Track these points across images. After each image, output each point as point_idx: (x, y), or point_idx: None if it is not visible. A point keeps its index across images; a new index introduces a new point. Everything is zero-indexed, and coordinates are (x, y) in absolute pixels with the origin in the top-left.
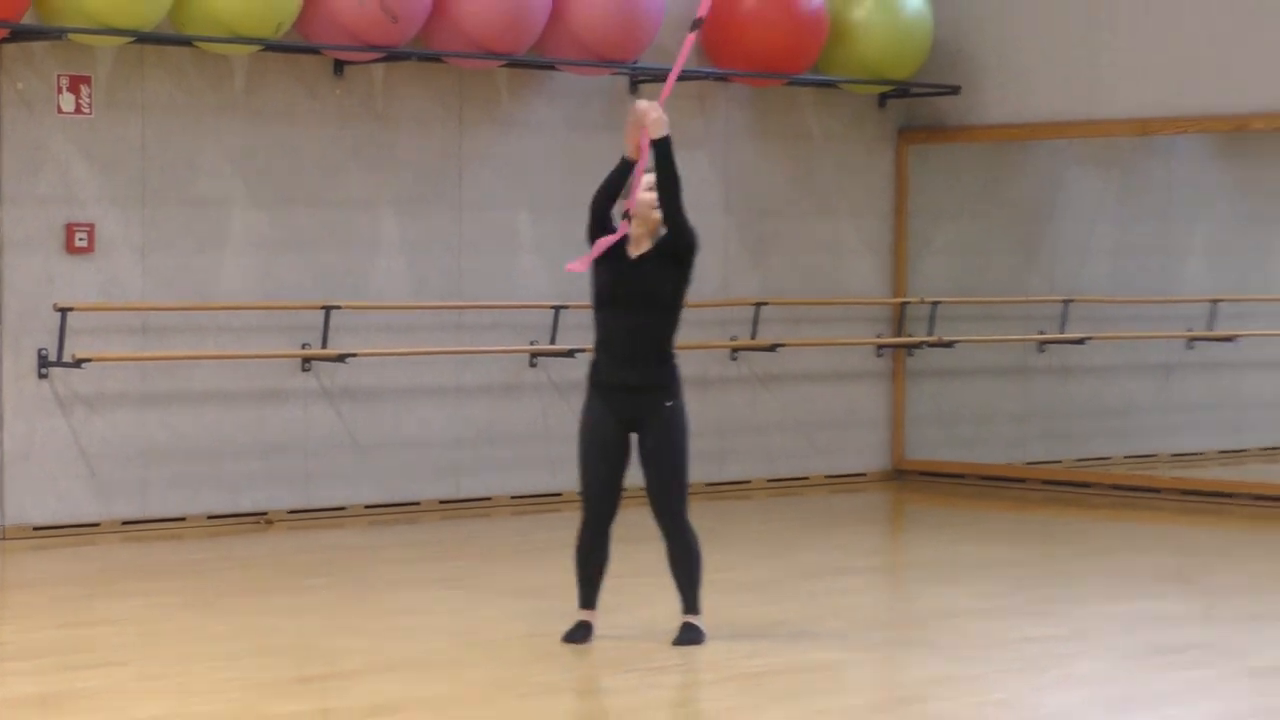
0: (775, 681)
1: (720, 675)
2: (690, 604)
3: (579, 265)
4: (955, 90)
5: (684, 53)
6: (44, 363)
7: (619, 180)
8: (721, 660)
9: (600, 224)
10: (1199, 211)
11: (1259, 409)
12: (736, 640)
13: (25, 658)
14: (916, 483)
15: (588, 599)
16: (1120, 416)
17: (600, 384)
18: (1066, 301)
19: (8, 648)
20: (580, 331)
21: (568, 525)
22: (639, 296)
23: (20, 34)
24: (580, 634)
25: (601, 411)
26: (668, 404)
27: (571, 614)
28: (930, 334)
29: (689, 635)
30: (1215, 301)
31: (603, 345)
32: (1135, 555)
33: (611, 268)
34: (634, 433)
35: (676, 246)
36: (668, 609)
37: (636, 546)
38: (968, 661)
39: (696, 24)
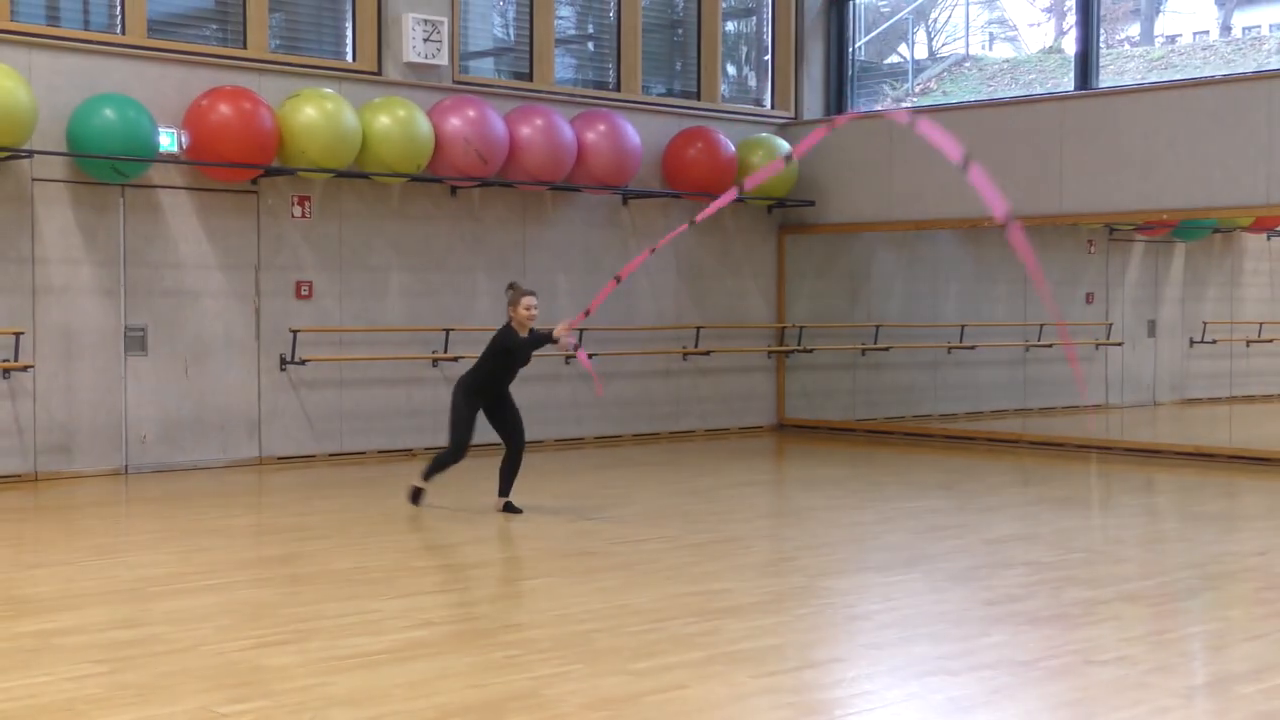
0: (709, 548)
1: (677, 544)
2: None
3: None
4: (811, 203)
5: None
6: (283, 362)
7: (537, 345)
8: (678, 535)
9: (520, 359)
10: (952, 273)
11: (988, 387)
12: (686, 524)
13: (272, 533)
14: (792, 433)
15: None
16: (907, 392)
17: (483, 395)
18: (877, 326)
19: (262, 526)
20: (596, 343)
21: (587, 457)
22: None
23: (270, 171)
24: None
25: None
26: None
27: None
28: (798, 344)
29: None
30: (963, 326)
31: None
32: (919, 474)
33: (507, 344)
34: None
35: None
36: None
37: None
38: (823, 536)
39: (618, 278)
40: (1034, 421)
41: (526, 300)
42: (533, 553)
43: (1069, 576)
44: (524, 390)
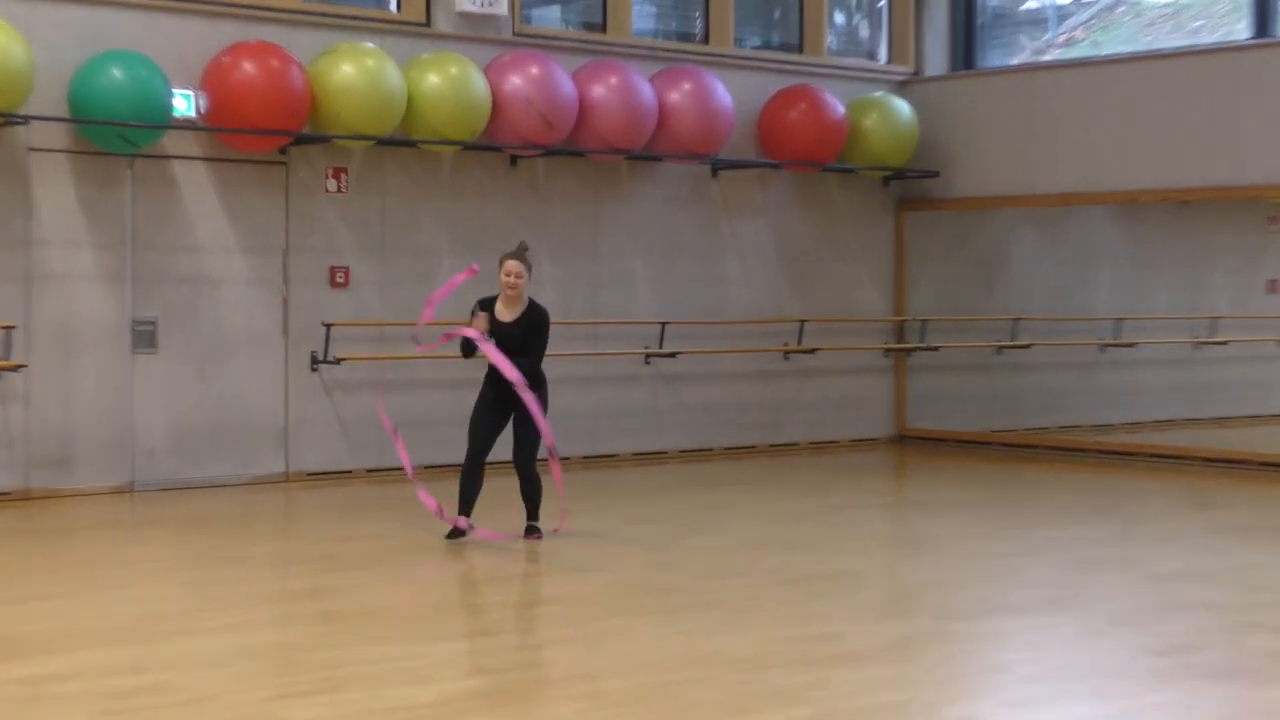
0: (817, 583)
1: (779, 579)
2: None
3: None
4: (935, 174)
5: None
6: (315, 361)
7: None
8: (779, 568)
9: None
10: (1103, 258)
11: (1151, 392)
12: (789, 554)
13: (301, 562)
14: (914, 445)
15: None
16: (1055, 398)
17: (490, 381)
18: (1015, 319)
19: (289, 555)
20: (679, 339)
21: (669, 474)
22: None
23: (301, 139)
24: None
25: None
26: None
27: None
28: (921, 341)
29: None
30: (1119, 320)
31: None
32: (1068, 495)
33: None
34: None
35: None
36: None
37: None
38: (952, 570)
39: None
40: (1207, 433)
41: (506, 266)
42: (605, 588)
43: (1253, 622)
44: (589, 394)
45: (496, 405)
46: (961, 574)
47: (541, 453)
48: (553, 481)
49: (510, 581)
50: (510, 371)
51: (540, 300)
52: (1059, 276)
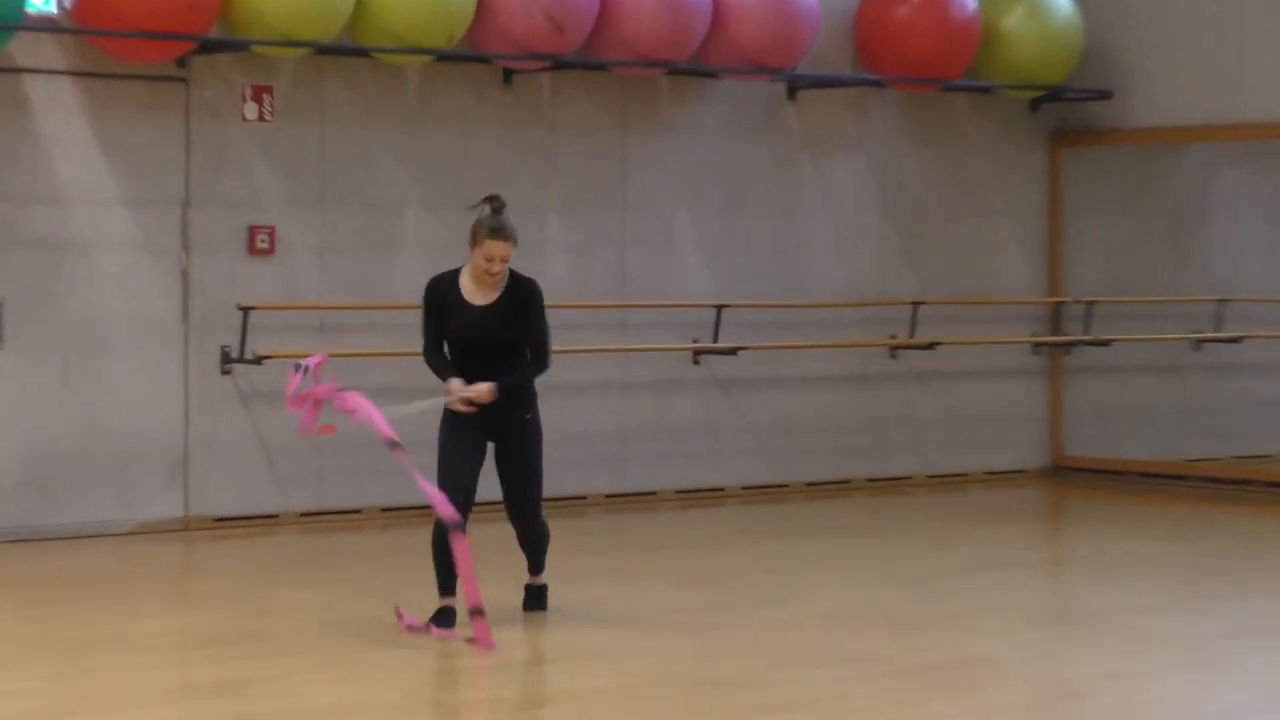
0: (937, 676)
1: (883, 670)
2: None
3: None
4: (1107, 95)
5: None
6: (227, 360)
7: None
8: (884, 654)
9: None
10: None
11: None
12: (898, 634)
13: (206, 645)
14: (1075, 479)
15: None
16: (1276, 413)
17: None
18: (1221, 301)
19: (190, 634)
20: (740, 329)
21: (730, 518)
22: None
23: (207, 46)
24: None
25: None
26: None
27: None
28: (1086, 333)
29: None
30: None
31: (467, 377)
32: None
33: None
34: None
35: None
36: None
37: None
38: (1130, 658)
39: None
40: None
41: (490, 248)
42: (637, 680)
43: None
44: (615, 406)
45: (472, 431)
46: (1143, 666)
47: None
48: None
49: (502, 671)
50: (383, 428)
51: (551, 272)
52: None
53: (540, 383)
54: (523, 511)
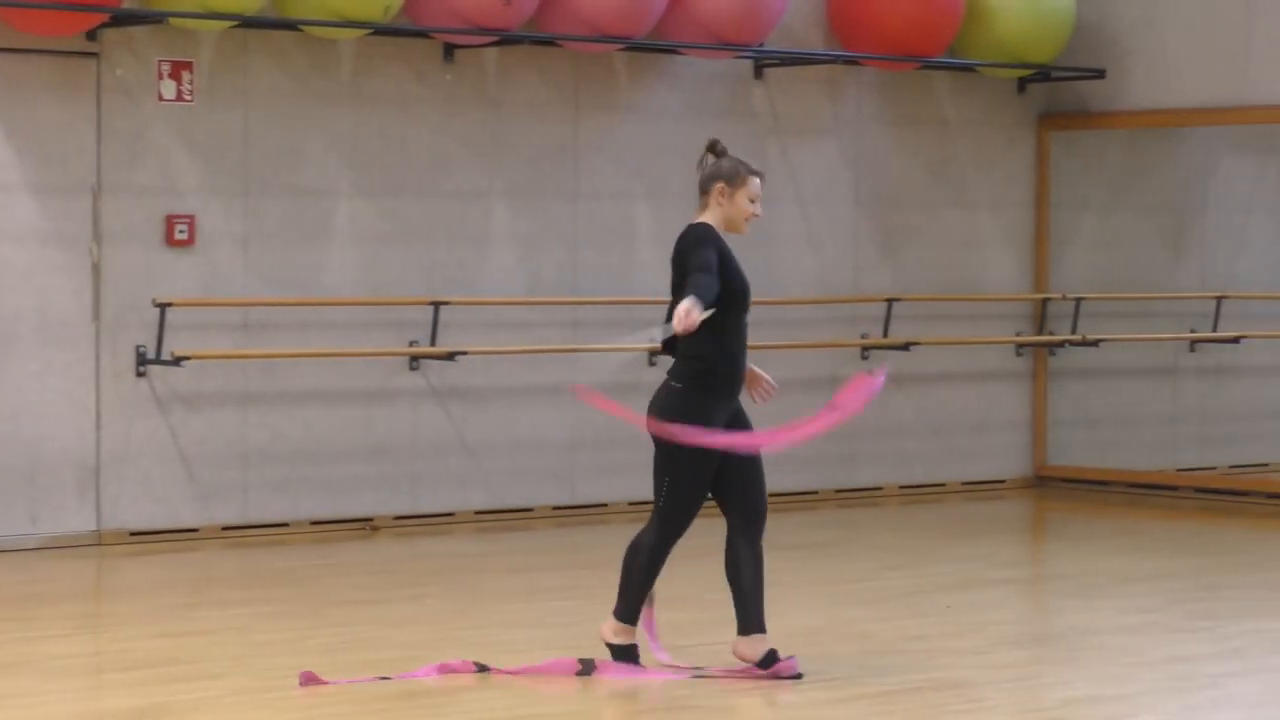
0: (907, 701)
1: (849, 694)
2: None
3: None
4: (1100, 74)
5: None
6: (142, 360)
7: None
8: (851, 677)
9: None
10: None
11: None
12: (867, 656)
13: (121, 669)
14: (1059, 490)
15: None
16: (1278, 420)
17: (723, 394)
18: (1219, 298)
19: (104, 658)
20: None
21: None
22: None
23: (120, 18)
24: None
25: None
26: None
27: (692, 626)
28: (1074, 332)
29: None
30: None
31: (731, 351)
32: None
33: (735, 264)
34: None
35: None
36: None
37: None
38: (1113, 681)
39: None
40: None
41: (754, 186)
42: (596, 705)
43: None
44: (567, 414)
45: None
46: (1127, 690)
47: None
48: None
49: (449, 694)
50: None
51: (493, 266)
52: None
53: (485, 385)
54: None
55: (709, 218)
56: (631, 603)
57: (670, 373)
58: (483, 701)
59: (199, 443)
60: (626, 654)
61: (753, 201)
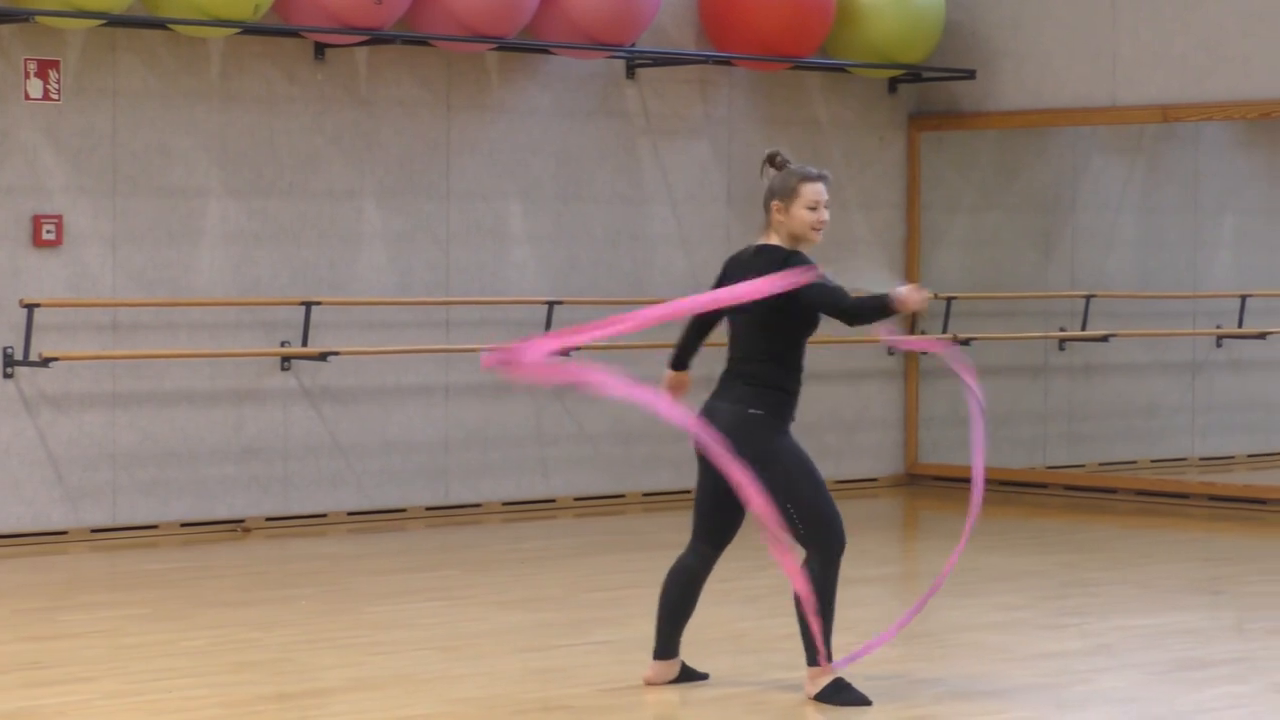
0: (781, 698)
1: (722, 692)
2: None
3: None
4: (970, 74)
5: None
6: (9, 362)
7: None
8: (727, 676)
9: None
10: (1227, 202)
11: None
12: (739, 654)
13: None
14: (930, 488)
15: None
16: (1146, 418)
17: (791, 419)
18: (1088, 297)
19: None
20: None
21: (561, 533)
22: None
23: None
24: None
25: None
26: None
27: (567, 627)
28: (945, 331)
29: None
30: (1245, 297)
31: (798, 377)
32: (1162, 565)
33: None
34: None
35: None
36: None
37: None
38: (984, 678)
39: None
40: None
41: (812, 191)
42: (466, 708)
43: None
44: (437, 414)
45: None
46: (1003, 686)
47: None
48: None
49: (316, 697)
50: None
51: (364, 267)
52: (1155, 233)
53: (357, 385)
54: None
55: (774, 238)
56: (820, 640)
57: (741, 399)
58: (353, 704)
59: (67, 444)
60: (839, 690)
61: (813, 209)
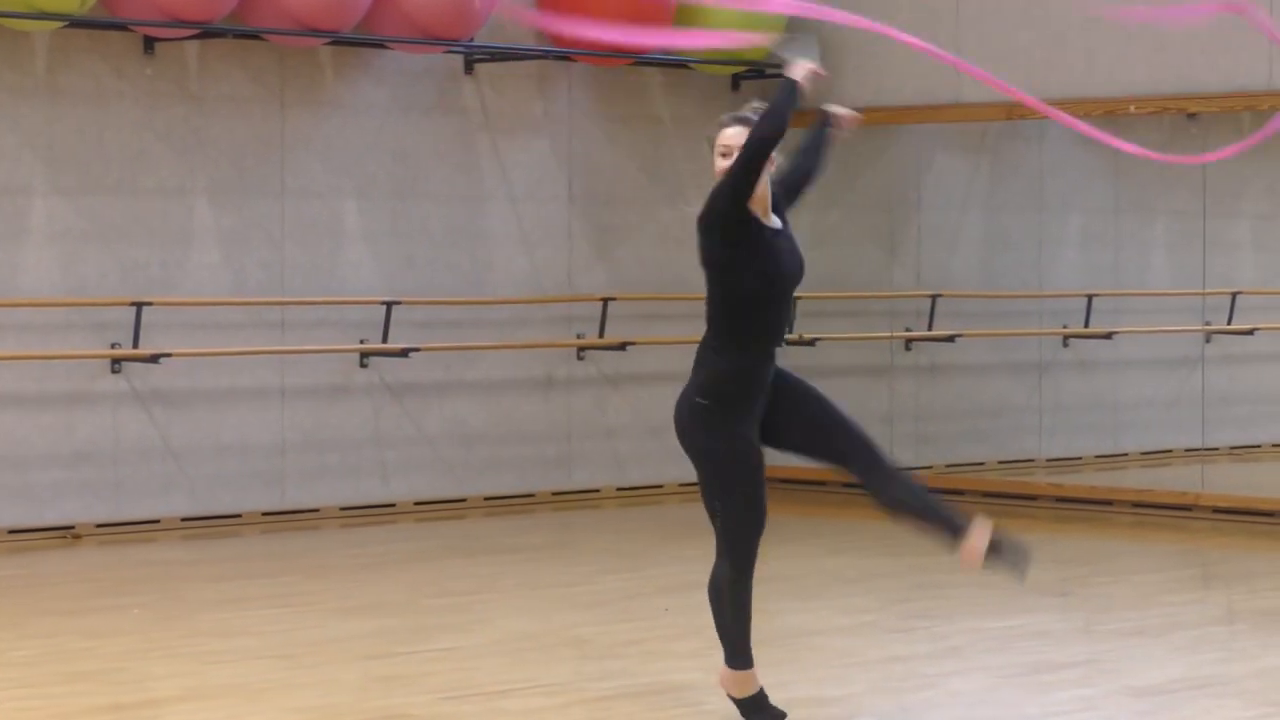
0: (626, 705)
1: (568, 699)
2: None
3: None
4: None
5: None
6: None
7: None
8: (570, 683)
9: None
10: (1072, 200)
11: (1138, 410)
12: (586, 661)
13: None
14: (776, 490)
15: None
16: (993, 418)
17: (746, 398)
18: (934, 296)
19: None
20: (412, 329)
21: (402, 538)
22: (796, 277)
23: None
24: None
25: (750, 435)
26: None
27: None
28: (790, 331)
29: None
30: (1091, 296)
31: (757, 347)
32: None
33: (768, 245)
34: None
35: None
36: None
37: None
38: (832, 682)
39: None
40: (1222, 470)
41: (722, 137)
42: (303, 718)
43: None
44: (273, 415)
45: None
46: (851, 689)
47: None
48: None
49: (148, 708)
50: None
51: (195, 266)
52: (1001, 232)
53: (189, 388)
54: (872, 462)
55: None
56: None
57: (692, 386)
58: (188, 715)
59: None
60: (755, 706)
61: (725, 156)
